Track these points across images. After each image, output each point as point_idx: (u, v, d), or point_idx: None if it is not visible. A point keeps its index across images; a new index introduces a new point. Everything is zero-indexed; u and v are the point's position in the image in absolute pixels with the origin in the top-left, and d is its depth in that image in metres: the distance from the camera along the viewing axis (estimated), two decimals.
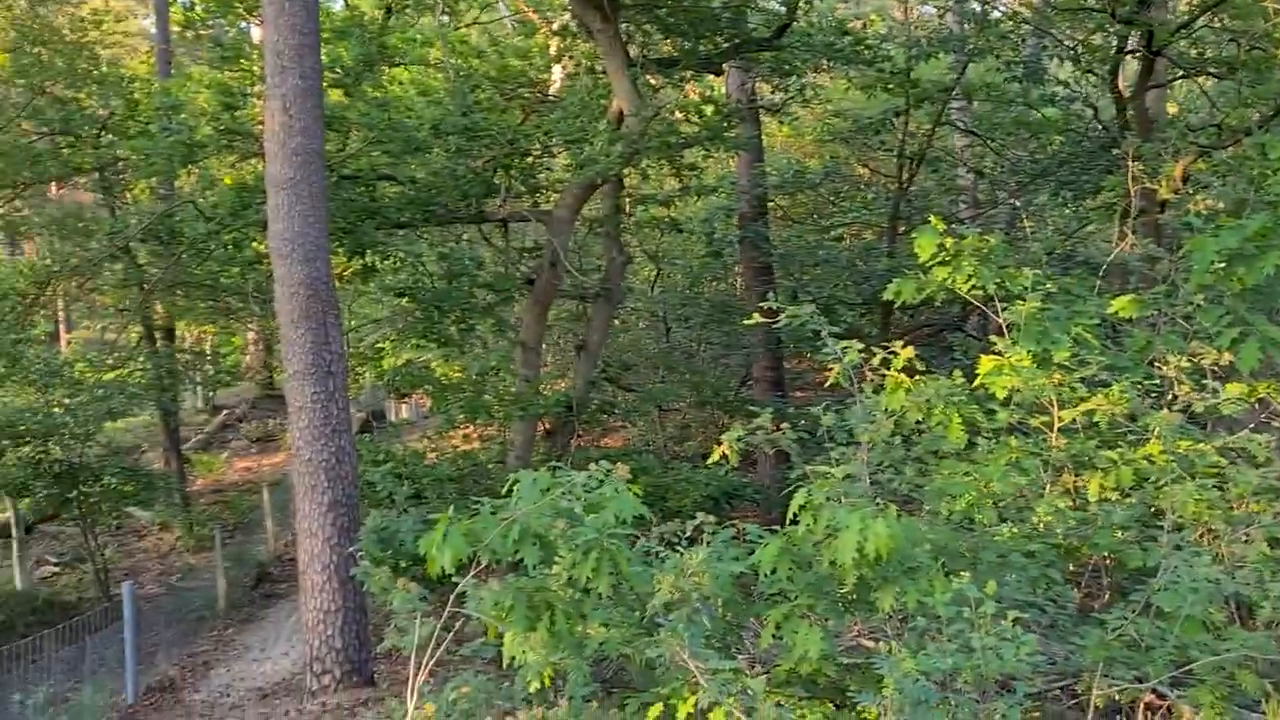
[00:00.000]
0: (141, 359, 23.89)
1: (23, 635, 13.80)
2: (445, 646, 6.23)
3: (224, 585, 18.09)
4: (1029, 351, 8.11)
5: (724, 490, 16.27)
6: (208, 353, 34.88)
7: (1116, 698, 6.20)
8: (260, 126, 14.08)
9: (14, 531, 19.98)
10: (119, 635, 13.02)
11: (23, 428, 18.29)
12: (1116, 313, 8.78)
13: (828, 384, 7.77)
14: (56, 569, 22.11)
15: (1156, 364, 8.55)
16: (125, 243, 21.10)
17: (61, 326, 35.91)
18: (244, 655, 14.78)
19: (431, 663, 6.15)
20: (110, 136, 21.87)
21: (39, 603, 18.59)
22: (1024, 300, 8.21)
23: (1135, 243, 10.32)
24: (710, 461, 8.02)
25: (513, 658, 6.21)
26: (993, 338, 8.48)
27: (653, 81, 18.34)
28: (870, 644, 7.47)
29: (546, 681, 6.29)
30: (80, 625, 13.10)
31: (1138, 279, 11.61)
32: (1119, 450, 7.92)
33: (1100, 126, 18.20)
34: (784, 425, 7.74)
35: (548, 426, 18.52)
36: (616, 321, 23.70)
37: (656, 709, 5.90)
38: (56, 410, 19.20)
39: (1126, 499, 7.73)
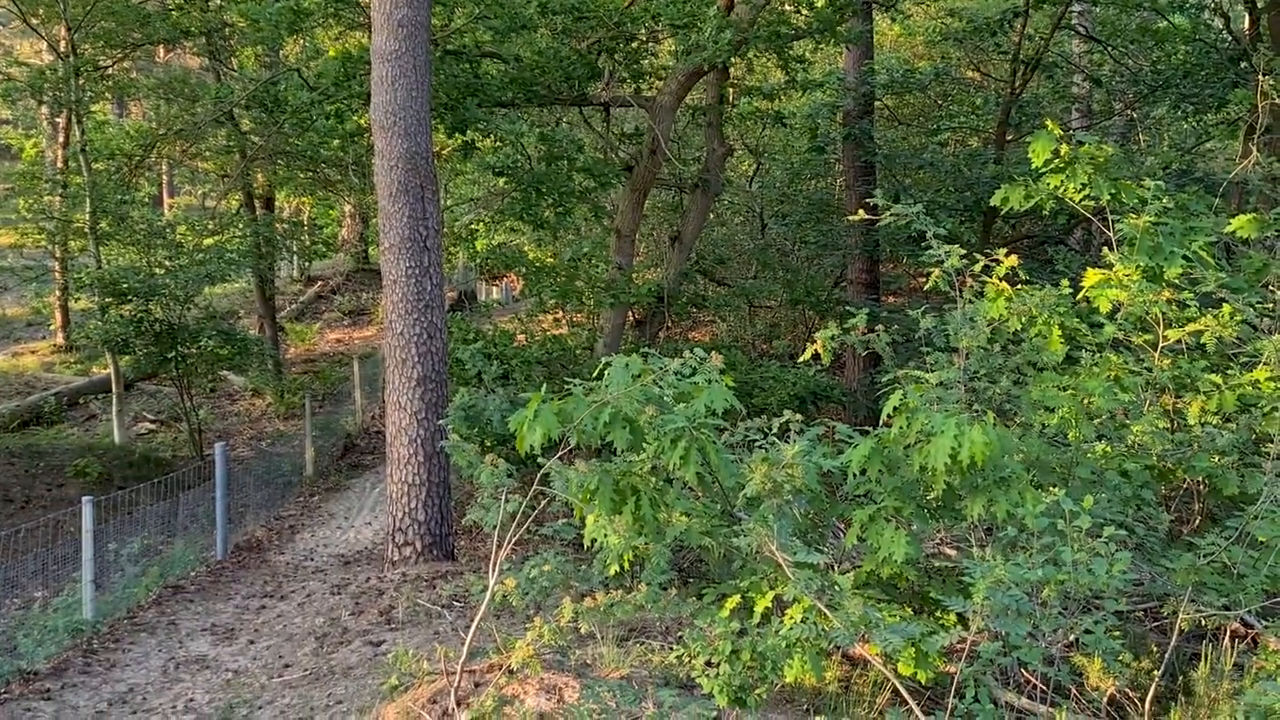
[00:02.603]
0: (240, 226, 24.21)
1: (120, 487, 14.22)
2: (526, 527, 6.27)
3: (312, 453, 18.49)
4: (1139, 266, 7.86)
5: (811, 390, 16.18)
6: (305, 224, 35.24)
7: (1202, 623, 6.10)
8: None
9: (114, 387, 20.54)
10: (210, 494, 13.37)
11: (125, 286, 18.68)
12: (1234, 232, 8.47)
13: (926, 288, 7.61)
14: (153, 426, 22.74)
15: (1271, 287, 8.27)
16: (229, 109, 21.25)
17: (164, 191, 36.48)
18: (328, 522, 15.13)
19: (513, 540, 6.20)
20: (219, 1, 21.93)
21: (136, 457, 19.15)
22: (1138, 213, 7.94)
23: (1259, 161, 9.93)
24: (800, 360, 7.94)
25: (593, 540, 6.25)
26: (1105, 251, 8.22)
27: None
28: (952, 552, 7.42)
29: (626, 566, 6.33)
30: (174, 482, 13.45)
31: (1258, 198, 11.19)
32: (1224, 374, 7.70)
33: (1230, 38, 17.43)
34: (878, 328, 7.63)
35: (637, 316, 18.53)
36: (712, 214, 23.49)
37: (733, 601, 5.90)
38: (158, 271, 19.57)
39: (1227, 424, 7.53)
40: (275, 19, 15.89)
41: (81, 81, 20.73)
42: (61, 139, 25.35)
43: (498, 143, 18.02)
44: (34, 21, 22.44)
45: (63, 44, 21.23)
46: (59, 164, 25.72)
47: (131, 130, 23.97)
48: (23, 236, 23.74)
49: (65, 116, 23.79)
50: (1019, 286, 7.85)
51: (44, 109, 28.58)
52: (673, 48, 18.61)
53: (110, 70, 22.93)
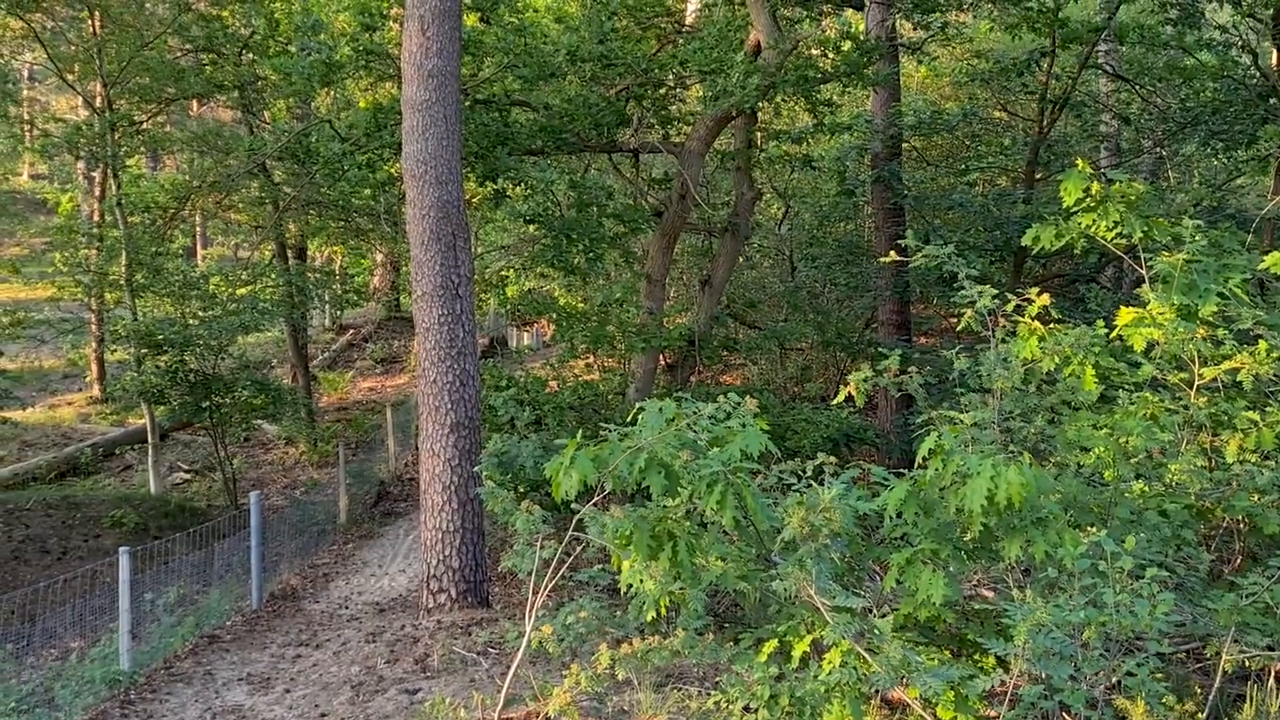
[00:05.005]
0: (273, 276, 24.42)
1: (155, 537, 14.30)
2: (561, 573, 6.26)
3: (345, 501, 18.52)
4: (1173, 304, 7.81)
5: (844, 432, 16.11)
6: (337, 273, 35.50)
7: (1245, 664, 6.02)
8: (398, 48, 14.16)
9: (150, 437, 20.70)
10: (245, 543, 13.41)
11: (161, 337, 18.87)
12: (1268, 268, 8.40)
13: (958, 329, 7.59)
14: (188, 476, 22.88)
15: None
16: (262, 161, 21.50)
17: (198, 243, 36.86)
18: (362, 570, 15.14)
19: (549, 586, 6.19)
20: (251, 55, 22.24)
21: (171, 507, 19.25)
22: (1171, 251, 7.90)
23: None
24: (833, 403, 7.92)
25: (628, 585, 6.23)
26: (1141, 289, 8.17)
27: (789, 15, 18.01)
28: (990, 594, 7.36)
29: (662, 611, 6.30)
30: (209, 531, 13.50)
31: None
32: (1262, 411, 7.62)
33: (1258, 74, 17.37)
34: (911, 369, 7.61)
35: (668, 360, 18.53)
36: (742, 258, 23.53)
37: (771, 645, 5.87)
38: (192, 322, 19.76)
39: (1266, 462, 7.45)
40: (307, 72, 16.10)
41: (117, 136, 21.05)
42: (97, 193, 25.75)
43: (528, 190, 18.14)
44: (70, 78, 22.83)
45: (99, 100, 21.57)
46: (95, 217, 26.11)
47: (166, 183, 24.28)
48: (60, 290, 24.02)
49: (101, 171, 24.18)
50: (1052, 326, 7.82)
51: (80, 164, 29.03)
52: (700, 94, 18.72)
53: (145, 125, 23.27)
